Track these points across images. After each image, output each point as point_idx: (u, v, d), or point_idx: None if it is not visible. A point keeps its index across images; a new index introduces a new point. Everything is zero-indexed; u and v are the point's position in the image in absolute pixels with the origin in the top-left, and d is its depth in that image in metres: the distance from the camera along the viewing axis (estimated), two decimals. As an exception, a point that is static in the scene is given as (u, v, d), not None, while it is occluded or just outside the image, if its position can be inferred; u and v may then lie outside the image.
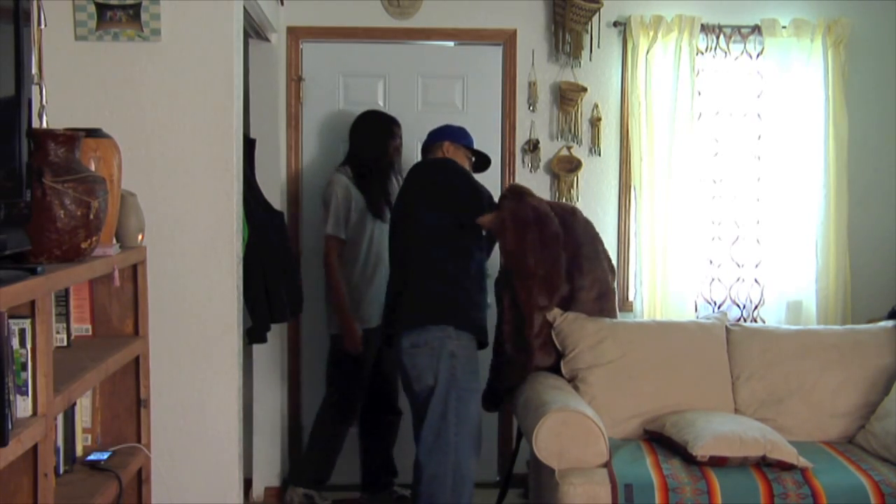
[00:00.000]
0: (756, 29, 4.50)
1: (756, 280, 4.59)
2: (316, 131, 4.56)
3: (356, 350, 4.10)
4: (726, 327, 4.05)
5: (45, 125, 2.77)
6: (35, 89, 2.71)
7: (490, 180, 4.18)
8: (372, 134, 4.20)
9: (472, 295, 3.56)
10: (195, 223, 3.07)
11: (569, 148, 4.55)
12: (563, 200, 4.45)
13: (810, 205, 4.52)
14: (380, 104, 4.53)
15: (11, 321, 1.95)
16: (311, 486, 4.24)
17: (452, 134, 3.84)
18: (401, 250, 3.64)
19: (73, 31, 3.00)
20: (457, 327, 3.45)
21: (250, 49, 4.30)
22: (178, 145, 3.06)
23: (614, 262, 4.60)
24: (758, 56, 4.53)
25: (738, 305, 4.59)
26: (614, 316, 3.94)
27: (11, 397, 1.89)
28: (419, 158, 4.14)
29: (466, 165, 3.85)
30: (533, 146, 4.53)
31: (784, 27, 4.48)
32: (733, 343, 3.97)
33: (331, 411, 4.25)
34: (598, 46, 4.51)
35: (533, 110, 4.53)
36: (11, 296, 1.88)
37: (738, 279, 4.59)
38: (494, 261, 3.94)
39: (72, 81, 2.99)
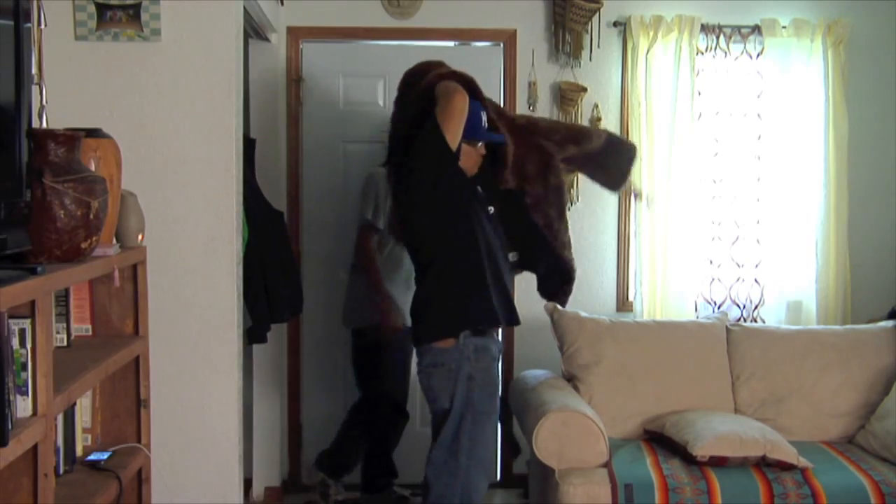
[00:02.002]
0: (756, 29, 4.49)
1: (756, 280, 4.59)
2: (316, 131, 4.56)
3: (392, 332, 4.04)
4: (726, 327, 4.05)
5: (45, 125, 2.76)
6: (35, 89, 2.71)
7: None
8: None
9: (474, 288, 3.19)
10: (195, 223, 3.07)
11: (569, 148, 4.55)
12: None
13: (810, 205, 4.52)
14: (380, 104, 4.53)
15: (11, 321, 1.95)
16: (330, 475, 4.27)
17: None
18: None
19: (73, 31, 2.99)
20: (476, 347, 3.16)
21: (250, 49, 4.30)
22: (178, 145, 3.05)
23: (614, 261, 4.62)
24: (758, 56, 4.53)
25: (738, 305, 4.59)
26: None
27: (11, 397, 1.90)
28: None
29: None
30: (533, 146, 4.53)
31: (784, 27, 4.48)
32: (733, 343, 3.98)
33: (372, 408, 4.22)
34: (598, 46, 4.50)
35: (533, 110, 4.52)
36: (11, 296, 1.87)
37: (738, 279, 4.59)
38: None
39: (72, 81, 2.99)
